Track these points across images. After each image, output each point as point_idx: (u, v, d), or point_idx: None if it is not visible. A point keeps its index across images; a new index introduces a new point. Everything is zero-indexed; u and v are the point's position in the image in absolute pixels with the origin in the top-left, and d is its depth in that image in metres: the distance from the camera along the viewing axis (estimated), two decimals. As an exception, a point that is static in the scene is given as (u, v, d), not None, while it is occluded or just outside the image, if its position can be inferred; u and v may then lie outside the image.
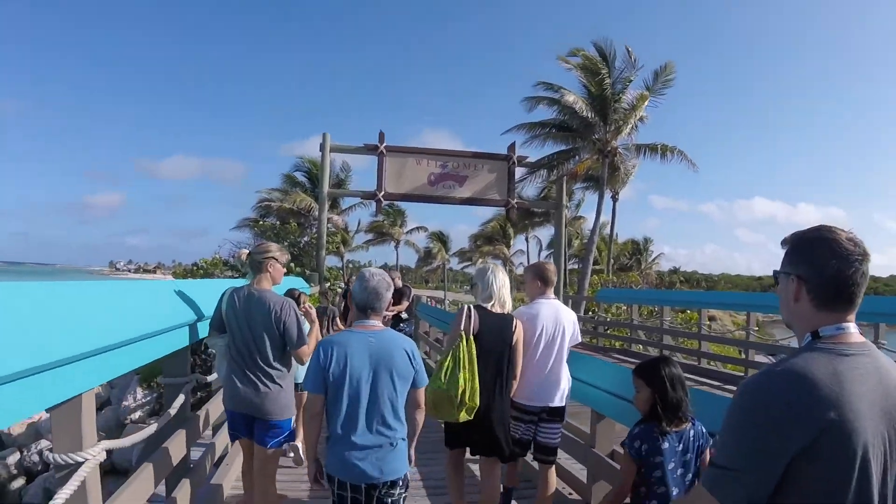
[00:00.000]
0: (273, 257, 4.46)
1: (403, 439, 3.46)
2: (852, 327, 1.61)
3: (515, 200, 23.94)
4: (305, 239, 23.70)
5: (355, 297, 3.52)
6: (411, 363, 3.43)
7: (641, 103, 22.68)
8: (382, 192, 22.11)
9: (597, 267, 45.23)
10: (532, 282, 4.88)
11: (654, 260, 53.21)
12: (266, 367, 4.29)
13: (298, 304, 5.21)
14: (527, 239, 52.16)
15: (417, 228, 56.25)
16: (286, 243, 22.37)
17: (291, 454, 6.37)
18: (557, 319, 4.68)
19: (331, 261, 45.78)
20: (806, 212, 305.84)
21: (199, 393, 9.67)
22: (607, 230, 41.40)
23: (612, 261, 40.70)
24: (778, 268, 1.72)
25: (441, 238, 59.39)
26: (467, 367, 4.11)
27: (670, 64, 23.27)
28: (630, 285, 32.66)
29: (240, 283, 4.76)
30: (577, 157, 24.04)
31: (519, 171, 23.95)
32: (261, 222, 24.61)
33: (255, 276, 4.44)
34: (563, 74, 25.65)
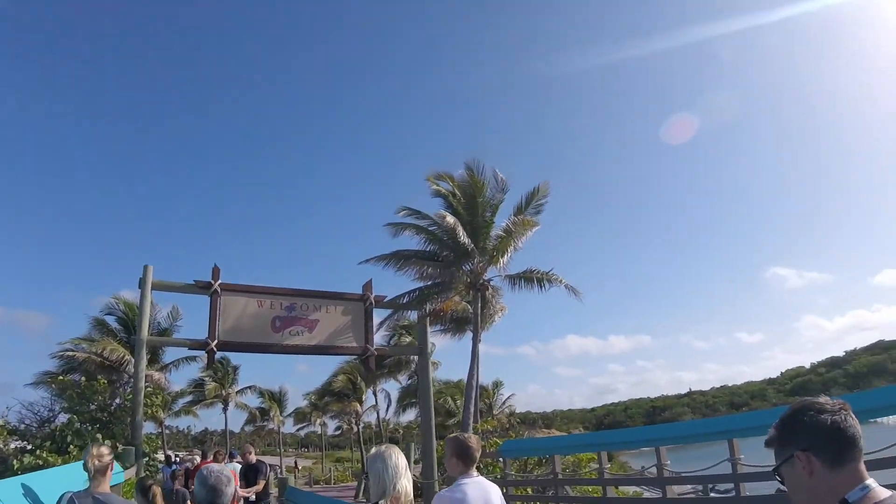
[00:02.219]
0: (112, 460, 4.66)
1: None
2: (874, 484, 1.67)
3: (375, 347, 20.87)
4: (117, 401, 19.02)
5: (198, 496, 3.59)
6: None
7: (523, 229, 20.51)
8: (216, 341, 18.33)
9: (454, 420, 42.03)
10: (451, 459, 4.48)
11: (505, 402, 50.11)
12: None
13: (151, 498, 6.07)
14: (374, 393, 47.87)
15: (249, 388, 51.61)
16: (93, 406, 17.65)
17: None
18: (487, 499, 4.23)
19: (147, 427, 39.46)
20: (616, 342, 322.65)
21: None
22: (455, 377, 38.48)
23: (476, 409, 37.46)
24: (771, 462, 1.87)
25: (275, 397, 54.42)
26: None
27: (544, 185, 21.44)
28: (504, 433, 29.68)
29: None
30: (444, 294, 21.33)
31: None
32: (60, 377, 19.39)
33: (95, 479, 4.49)
34: (427, 202, 22.92)
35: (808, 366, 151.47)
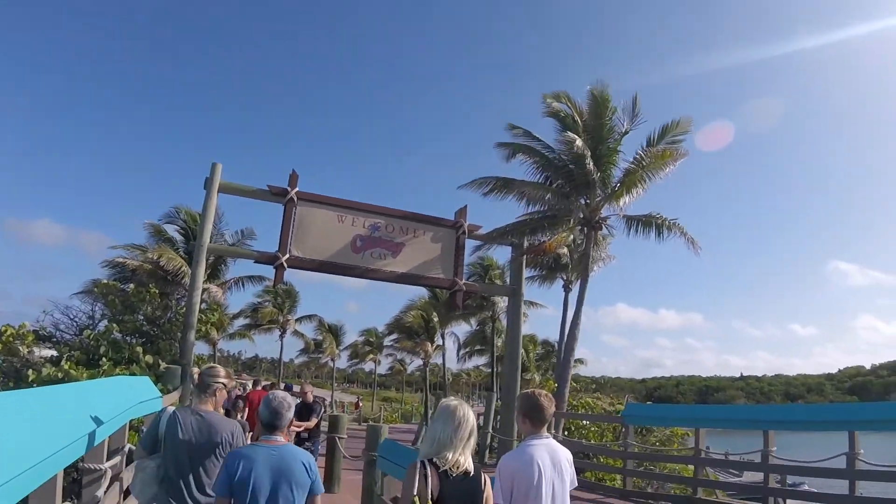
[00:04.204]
0: (222, 383, 4.59)
1: None
2: None
3: (464, 281, 18.04)
4: (169, 315, 16.58)
5: (261, 416, 3.92)
6: (308, 474, 3.83)
7: (660, 162, 17.12)
8: (287, 256, 15.72)
9: (527, 375, 39.24)
10: (519, 417, 4.08)
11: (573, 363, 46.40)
12: (209, 491, 4.23)
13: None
14: (443, 336, 44.43)
15: (308, 317, 49.82)
16: (139, 316, 15.13)
17: None
18: (556, 462, 3.87)
19: (198, 348, 37.30)
20: (667, 317, 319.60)
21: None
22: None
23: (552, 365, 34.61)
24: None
25: (333, 330, 52.33)
26: None
27: (685, 120, 17.90)
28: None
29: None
30: (551, 229, 18.26)
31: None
32: (103, 281, 16.85)
33: (200, 397, 4.52)
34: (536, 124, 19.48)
35: (868, 366, 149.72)
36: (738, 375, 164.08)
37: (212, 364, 4.68)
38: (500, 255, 22.54)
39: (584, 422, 18.29)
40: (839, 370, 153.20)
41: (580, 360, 46.52)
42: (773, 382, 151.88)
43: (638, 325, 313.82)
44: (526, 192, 17.67)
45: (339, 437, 10.53)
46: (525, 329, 44.89)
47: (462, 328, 42.52)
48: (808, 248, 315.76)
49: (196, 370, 5.14)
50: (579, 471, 14.46)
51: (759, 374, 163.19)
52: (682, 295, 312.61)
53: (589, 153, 16.61)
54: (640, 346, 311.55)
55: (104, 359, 12.37)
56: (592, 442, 16.65)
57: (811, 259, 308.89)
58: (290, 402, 3.97)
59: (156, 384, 9.51)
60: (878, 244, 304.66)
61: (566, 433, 16.99)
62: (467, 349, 43.56)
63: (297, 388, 14.67)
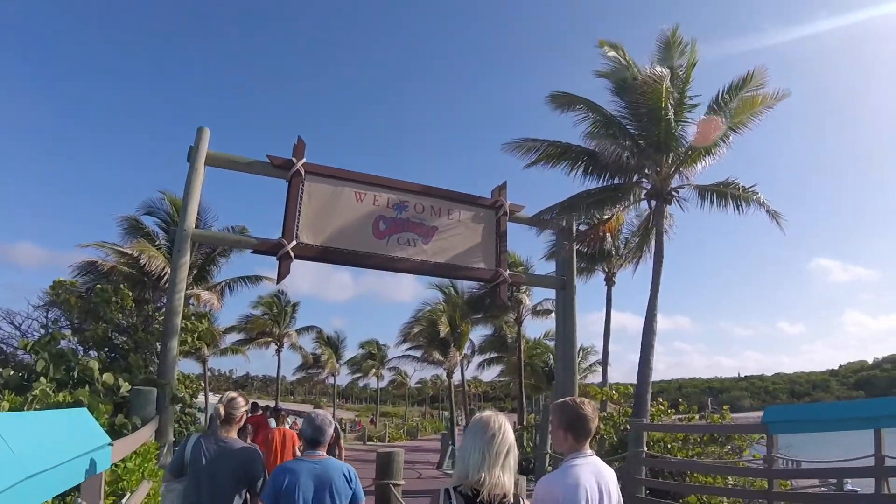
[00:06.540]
0: (245, 411, 4.60)
1: None
2: None
3: (508, 272, 14.89)
4: (148, 326, 13.21)
5: (304, 433, 4.23)
6: (349, 483, 4.05)
7: (749, 111, 14.15)
8: (294, 243, 12.48)
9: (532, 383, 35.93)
10: (558, 431, 3.15)
11: (590, 367, 39.94)
12: None
13: None
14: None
15: (306, 329, 46.28)
16: (104, 326, 11.52)
17: None
18: (603, 487, 3.02)
19: (186, 365, 33.22)
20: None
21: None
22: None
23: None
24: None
25: (332, 343, 49.13)
26: None
27: (759, 71, 14.84)
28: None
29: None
30: (609, 206, 15.20)
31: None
32: (58, 280, 12.91)
33: (224, 426, 4.48)
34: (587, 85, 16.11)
35: (870, 360, 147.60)
36: (732, 376, 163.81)
37: (232, 395, 4.52)
38: (526, 247, 19.01)
39: (658, 433, 14.80)
40: (841, 365, 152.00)
41: (591, 368, 41.66)
42: (777, 381, 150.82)
43: (627, 329, 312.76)
44: (580, 159, 14.51)
45: (393, 484, 7.08)
46: (539, 333, 41.43)
47: (475, 333, 38.92)
48: (792, 244, 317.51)
49: (221, 406, 4.01)
50: (678, 495, 11.38)
51: (753, 374, 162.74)
52: (668, 297, 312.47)
53: (675, 95, 13.51)
54: (631, 350, 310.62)
55: (42, 378, 8.68)
56: (679, 457, 13.27)
57: (794, 256, 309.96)
58: (330, 420, 4.30)
59: (115, 415, 6.28)
60: (858, 241, 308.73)
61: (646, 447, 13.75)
62: (484, 356, 39.67)
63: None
